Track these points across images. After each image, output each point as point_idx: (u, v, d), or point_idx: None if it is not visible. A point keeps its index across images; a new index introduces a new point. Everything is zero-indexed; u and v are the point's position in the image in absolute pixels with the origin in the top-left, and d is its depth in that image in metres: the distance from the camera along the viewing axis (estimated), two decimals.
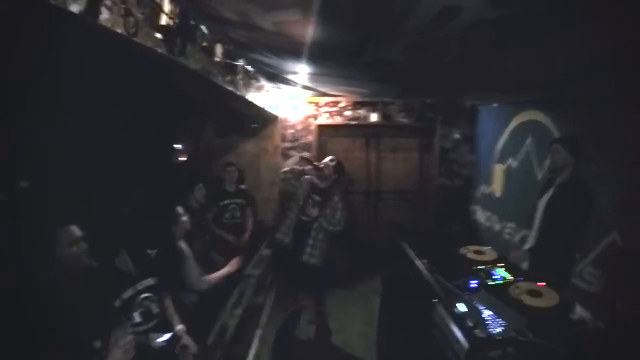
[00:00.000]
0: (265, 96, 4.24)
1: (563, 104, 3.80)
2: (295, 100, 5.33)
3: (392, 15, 1.83)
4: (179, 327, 2.60)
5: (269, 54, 2.85)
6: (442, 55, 2.49)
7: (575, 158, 3.10)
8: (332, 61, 2.93)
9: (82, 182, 2.92)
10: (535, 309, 2.38)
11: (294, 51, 2.65)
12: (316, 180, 4.13)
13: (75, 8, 1.29)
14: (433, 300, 2.67)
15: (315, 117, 5.58)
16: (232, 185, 4.65)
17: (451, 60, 2.59)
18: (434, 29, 1.97)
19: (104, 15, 1.47)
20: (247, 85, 3.54)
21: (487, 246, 3.33)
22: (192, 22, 2.26)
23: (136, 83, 2.77)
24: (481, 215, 5.40)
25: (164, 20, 1.93)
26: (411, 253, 3.27)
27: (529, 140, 4.31)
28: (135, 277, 2.44)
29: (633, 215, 2.98)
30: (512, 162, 4.67)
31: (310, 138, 5.62)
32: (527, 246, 3.29)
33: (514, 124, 4.61)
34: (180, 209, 3.33)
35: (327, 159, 4.18)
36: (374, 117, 5.61)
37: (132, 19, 1.68)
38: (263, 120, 5.18)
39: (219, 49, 2.68)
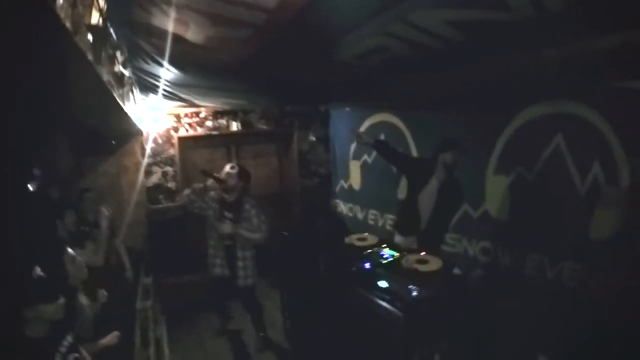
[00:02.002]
0: (133, 109, 3.94)
1: (411, 108, 4.60)
2: (157, 112, 5.03)
3: (331, 45, 2.07)
4: None
5: (169, 65, 2.73)
6: (342, 76, 2.84)
7: None
8: (235, 75, 2.96)
9: None
10: (428, 273, 2.91)
11: (201, 64, 2.63)
12: (224, 195, 3.81)
13: None
14: (351, 284, 3.00)
15: (176, 129, 5.35)
16: (91, 213, 3.95)
17: (344, 79, 2.98)
18: (355, 60, 2.29)
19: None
20: (127, 98, 3.28)
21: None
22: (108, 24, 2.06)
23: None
24: (343, 207, 6.01)
25: (95, 18, 1.72)
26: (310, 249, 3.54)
27: (382, 138, 5.01)
28: (53, 338, 2.07)
29: (475, 190, 3.86)
30: (367, 159, 5.37)
31: (172, 152, 5.37)
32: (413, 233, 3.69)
33: (366, 124, 5.31)
34: (70, 251, 2.94)
35: (228, 167, 3.83)
36: (234, 126, 5.67)
37: (78, 11, 1.47)
38: (124, 135, 4.75)
39: (119, 57, 2.47)
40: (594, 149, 2.99)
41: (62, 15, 1.24)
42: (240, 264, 3.82)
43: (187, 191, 3.88)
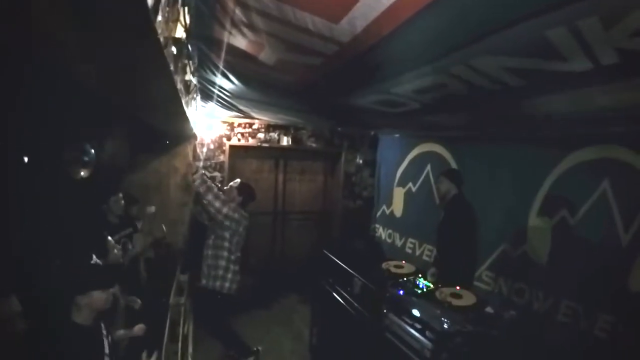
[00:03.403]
0: (193, 114, 4.17)
1: (459, 141, 4.61)
2: (212, 120, 5.29)
3: (392, 79, 2.18)
4: None
5: (235, 79, 2.90)
6: (398, 107, 2.95)
7: (457, 185, 3.66)
8: (296, 96, 3.12)
9: None
10: (461, 308, 2.88)
11: (266, 82, 2.78)
12: None
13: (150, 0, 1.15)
14: (383, 309, 3.02)
15: (228, 137, 5.58)
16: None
17: (399, 110, 3.08)
18: (413, 93, 2.39)
19: (159, 17, 1.33)
20: (190, 104, 3.49)
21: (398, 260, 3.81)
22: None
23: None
24: (382, 232, 6.02)
25: (179, 32, 1.88)
26: (348, 270, 3.59)
27: (428, 168, 5.05)
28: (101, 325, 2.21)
29: (516, 228, 3.80)
30: (412, 186, 5.38)
31: (222, 158, 5.59)
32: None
33: (414, 153, 5.35)
34: (111, 239, 3.12)
35: (233, 182, 4.05)
36: (285, 141, 5.85)
37: (169, 27, 1.62)
38: (179, 137, 5.01)
39: (190, 66, 2.65)
40: None
41: (159, 31, 1.39)
42: (208, 262, 3.85)
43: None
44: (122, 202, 3.73)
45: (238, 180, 4.05)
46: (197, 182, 3.75)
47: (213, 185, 3.85)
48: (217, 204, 3.71)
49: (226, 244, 3.84)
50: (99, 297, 2.09)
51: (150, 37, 1.34)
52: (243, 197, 3.94)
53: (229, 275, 3.85)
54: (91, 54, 1.59)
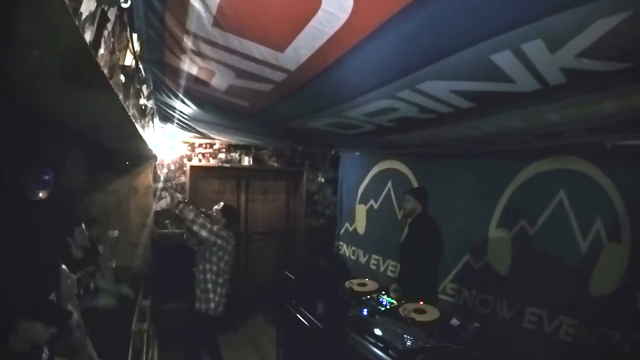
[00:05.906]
0: (151, 136, 4.10)
1: (416, 157, 4.73)
2: (172, 140, 5.21)
3: (343, 104, 2.24)
4: None
5: (190, 103, 2.89)
6: (352, 129, 3.01)
7: (422, 203, 3.69)
8: (251, 119, 3.13)
9: None
10: (425, 323, 2.92)
11: (221, 106, 2.78)
12: None
13: (88, 36, 1.14)
14: (346, 329, 3.02)
15: (189, 158, 5.52)
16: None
17: (356, 132, 3.15)
18: (365, 117, 2.46)
19: (101, 50, 1.35)
20: (147, 126, 3.44)
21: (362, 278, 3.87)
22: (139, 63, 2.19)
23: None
24: (347, 249, 6.06)
25: (128, 59, 1.86)
26: (310, 290, 3.57)
27: (389, 185, 5.13)
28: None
29: (478, 240, 3.89)
30: (374, 203, 5.46)
31: (184, 179, 5.51)
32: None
33: (375, 170, 5.45)
34: (64, 268, 2.98)
35: (216, 205, 4.08)
36: (246, 161, 5.84)
37: (115, 57, 1.61)
38: (138, 158, 4.90)
39: (144, 90, 2.62)
40: (596, 205, 3.06)
41: (102, 64, 1.38)
42: (201, 286, 3.87)
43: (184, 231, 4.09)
44: (87, 232, 3.60)
45: (222, 203, 4.11)
46: (185, 210, 3.78)
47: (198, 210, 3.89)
48: (208, 225, 3.74)
49: (214, 267, 3.85)
50: (38, 330, 2.01)
51: (92, 70, 1.33)
52: (227, 219, 4.00)
53: (216, 297, 3.85)
54: (34, 85, 1.56)
